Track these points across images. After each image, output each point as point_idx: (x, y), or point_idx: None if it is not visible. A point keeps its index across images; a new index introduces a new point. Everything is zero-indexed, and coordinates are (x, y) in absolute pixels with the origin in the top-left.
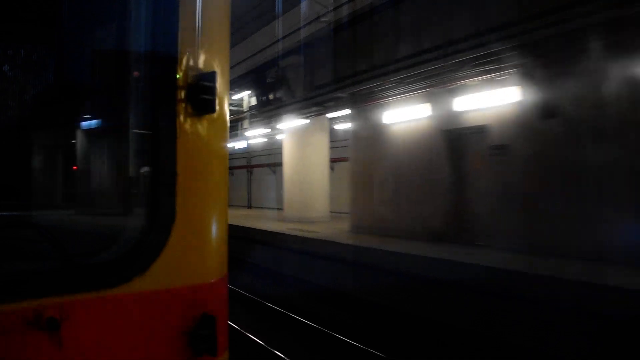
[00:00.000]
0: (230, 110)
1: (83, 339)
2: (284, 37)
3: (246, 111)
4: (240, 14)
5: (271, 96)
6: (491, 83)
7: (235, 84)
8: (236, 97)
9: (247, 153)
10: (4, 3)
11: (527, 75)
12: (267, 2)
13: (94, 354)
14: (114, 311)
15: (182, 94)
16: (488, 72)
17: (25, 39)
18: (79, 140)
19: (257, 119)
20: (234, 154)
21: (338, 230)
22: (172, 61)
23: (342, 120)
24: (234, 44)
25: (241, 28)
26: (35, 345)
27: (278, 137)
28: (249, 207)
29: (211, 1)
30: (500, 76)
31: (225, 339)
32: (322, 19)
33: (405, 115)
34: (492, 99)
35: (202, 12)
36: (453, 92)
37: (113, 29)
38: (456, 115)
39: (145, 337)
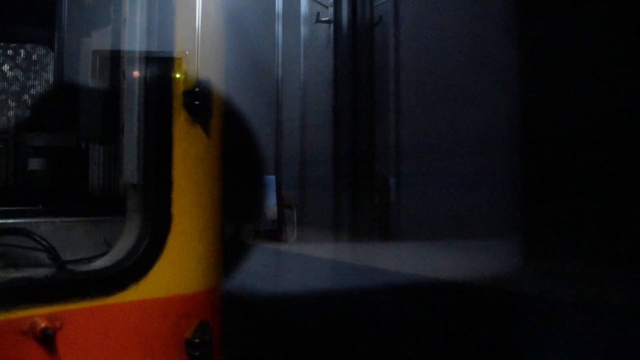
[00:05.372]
0: None
1: (78, 349)
2: None
3: None
4: None
5: None
6: None
7: None
8: None
9: None
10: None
11: None
12: None
13: None
14: (110, 320)
15: (178, 100)
16: None
17: (23, 40)
18: (74, 146)
19: None
20: None
21: None
22: (168, 67)
23: None
24: None
25: None
26: (29, 355)
27: None
28: None
29: (207, 8)
30: None
31: (220, 346)
32: None
33: None
34: None
35: (198, 18)
36: None
37: (110, 35)
38: None
39: (142, 345)
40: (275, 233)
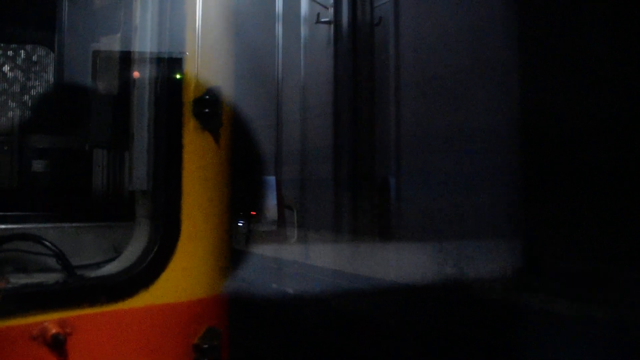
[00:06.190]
0: None
1: (89, 355)
2: None
3: None
4: None
5: None
6: None
7: None
8: None
9: None
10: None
11: None
12: None
13: None
14: (120, 326)
15: (188, 108)
16: None
17: (27, 41)
18: (78, 149)
19: None
20: None
21: None
22: (178, 75)
23: None
24: None
25: None
26: None
27: None
28: None
29: (216, 16)
30: None
31: (227, 352)
32: None
33: None
34: None
35: (207, 28)
36: None
37: (119, 41)
38: None
39: (151, 351)
40: (276, 234)
